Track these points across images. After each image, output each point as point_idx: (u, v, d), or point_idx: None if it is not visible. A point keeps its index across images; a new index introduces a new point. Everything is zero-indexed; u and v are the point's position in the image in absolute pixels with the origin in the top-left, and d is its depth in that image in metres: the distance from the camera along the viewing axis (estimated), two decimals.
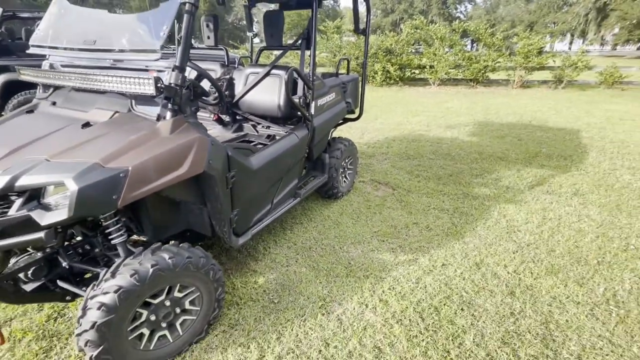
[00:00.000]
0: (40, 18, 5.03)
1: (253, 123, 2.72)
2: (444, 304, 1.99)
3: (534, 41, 10.32)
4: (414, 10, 37.34)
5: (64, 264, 1.63)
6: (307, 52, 2.48)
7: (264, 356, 1.66)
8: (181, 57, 1.50)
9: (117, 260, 1.48)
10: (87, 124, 1.54)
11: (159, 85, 1.40)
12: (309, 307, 1.97)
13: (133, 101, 1.58)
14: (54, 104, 1.82)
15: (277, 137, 2.40)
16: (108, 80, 1.50)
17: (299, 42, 2.51)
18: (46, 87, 1.95)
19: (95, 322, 1.30)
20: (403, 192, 3.48)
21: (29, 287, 1.61)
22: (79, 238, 1.82)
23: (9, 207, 1.35)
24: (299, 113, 2.49)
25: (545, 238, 2.66)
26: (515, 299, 2.03)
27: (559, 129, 5.93)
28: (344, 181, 3.34)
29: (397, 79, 11.52)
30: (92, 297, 1.34)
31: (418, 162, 4.35)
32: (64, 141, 1.44)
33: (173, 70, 1.49)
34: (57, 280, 1.65)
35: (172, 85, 1.48)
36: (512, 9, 38.38)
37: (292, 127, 2.55)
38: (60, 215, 1.26)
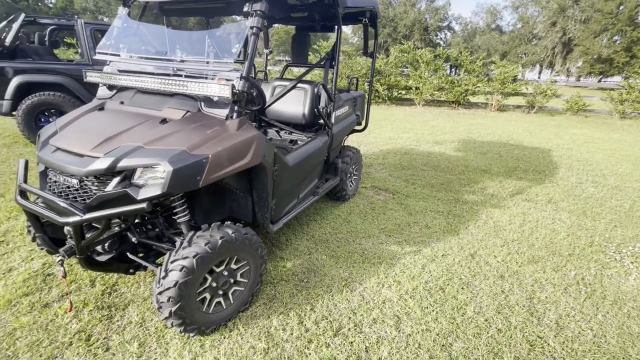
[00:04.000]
0: (59, 25, 5.23)
1: (277, 129, 3.06)
2: (447, 284, 2.36)
3: (509, 69, 11.34)
4: (397, 35, 39.38)
5: (133, 239, 1.88)
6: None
7: (302, 322, 1.95)
8: (247, 69, 1.85)
9: (184, 235, 1.75)
10: (164, 120, 1.84)
11: (234, 91, 1.74)
12: (334, 285, 2.28)
13: (202, 103, 1.90)
14: (122, 102, 2.10)
15: (299, 142, 2.75)
16: (191, 85, 1.81)
17: (323, 61, 2.91)
18: (110, 88, 2.24)
19: (177, 281, 1.57)
20: (402, 197, 3.89)
21: (102, 258, 1.85)
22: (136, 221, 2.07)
23: (96, 187, 1.63)
24: (320, 121, 2.87)
25: (526, 236, 3.11)
26: (504, 281, 2.43)
27: (533, 148, 6.62)
28: (350, 185, 3.71)
29: (386, 98, 12.24)
30: (173, 261, 1.61)
31: (412, 172, 4.80)
32: (150, 133, 1.73)
33: (240, 79, 1.83)
34: (127, 254, 1.89)
35: (240, 91, 1.82)
36: (487, 39, 41.24)
37: (313, 133, 2.92)
38: (154, 191, 1.55)
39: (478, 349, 1.82)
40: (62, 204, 1.57)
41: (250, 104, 1.98)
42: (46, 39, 5.72)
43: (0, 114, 4.66)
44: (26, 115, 4.59)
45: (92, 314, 1.93)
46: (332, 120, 2.88)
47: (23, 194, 1.75)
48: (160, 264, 1.84)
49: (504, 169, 5.16)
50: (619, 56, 27.19)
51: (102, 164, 1.56)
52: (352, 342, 1.82)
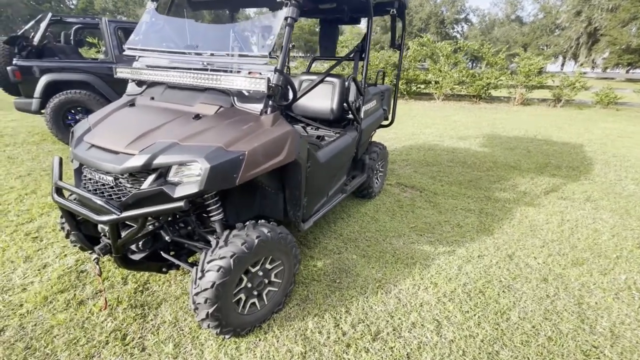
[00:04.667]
0: (84, 24, 5.29)
1: (303, 124, 2.99)
2: (487, 287, 2.23)
3: (534, 61, 10.89)
4: (412, 29, 38.57)
5: (167, 238, 1.85)
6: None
7: (338, 324, 1.88)
8: (282, 62, 1.77)
9: (219, 234, 1.70)
10: (197, 116, 1.78)
11: (269, 84, 1.67)
12: (368, 287, 2.20)
13: (235, 98, 1.84)
14: (152, 98, 2.06)
15: (327, 138, 2.66)
16: (224, 79, 1.74)
17: (353, 54, 2.81)
18: (140, 84, 2.20)
19: (214, 282, 1.52)
20: (430, 194, 3.75)
21: (136, 257, 1.82)
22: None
23: (131, 185, 1.59)
24: (348, 116, 2.77)
25: (566, 236, 2.94)
26: (548, 284, 2.29)
27: (563, 143, 6.32)
28: (376, 182, 3.61)
29: (404, 93, 11.98)
30: (209, 261, 1.56)
31: (438, 169, 4.64)
32: (184, 129, 1.67)
33: (275, 72, 1.75)
34: (161, 252, 1.86)
35: (275, 85, 1.74)
36: (507, 31, 39.91)
37: (341, 129, 2.82)
38: (191, 188, 1.50)
39: (528, 358, 1.71)
40: (99, 202, 1.54)
41: (281, 98, 1.91)
42: (72, 38, 5.82)
43: (30, 112, 4.77)
44: (54, 113, 4.68)
45: (126, 312, 1.91)
46: (362, 115, 2.78)
47: (59, 191, 1.73)
48: (193, 263, 1.80)
49: (535, 165, 4.93)
50: None
51: (137, 161, 1.52)
52: (392, 348, 1.74)
